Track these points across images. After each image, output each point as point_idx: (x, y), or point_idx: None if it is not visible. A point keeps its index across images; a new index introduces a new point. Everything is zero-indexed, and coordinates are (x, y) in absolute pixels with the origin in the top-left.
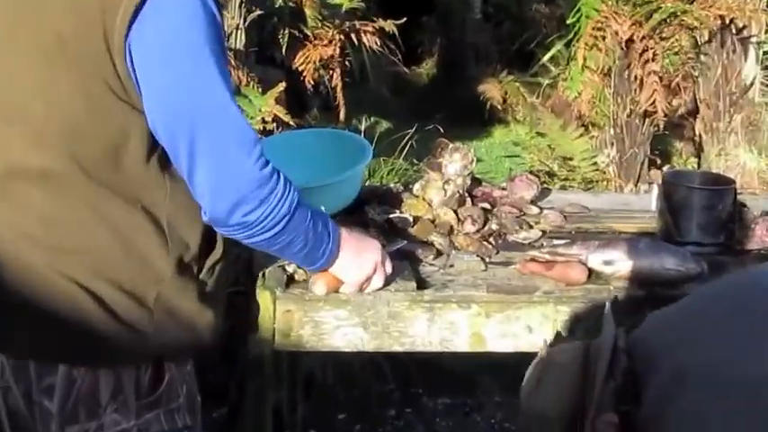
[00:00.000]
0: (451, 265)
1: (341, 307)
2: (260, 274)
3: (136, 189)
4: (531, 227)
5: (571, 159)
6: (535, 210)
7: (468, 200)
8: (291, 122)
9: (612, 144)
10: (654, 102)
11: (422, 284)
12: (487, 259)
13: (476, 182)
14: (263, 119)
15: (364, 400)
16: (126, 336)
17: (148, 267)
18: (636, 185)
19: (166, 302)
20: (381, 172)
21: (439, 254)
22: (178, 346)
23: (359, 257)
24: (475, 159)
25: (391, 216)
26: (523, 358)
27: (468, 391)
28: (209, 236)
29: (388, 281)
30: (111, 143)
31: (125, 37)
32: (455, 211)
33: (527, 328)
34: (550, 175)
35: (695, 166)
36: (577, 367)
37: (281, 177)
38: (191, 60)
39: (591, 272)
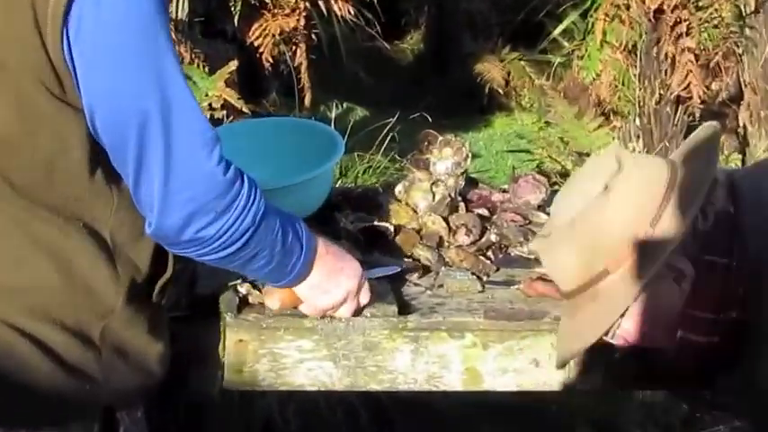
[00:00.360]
0: (441, 285)
1: (305, 336)
2: (208, 296)
3: (76, 205)
4: None
5: (588, 155)
6: (544, 217)
7: (462, 205)
8: (245, 109)
9: (639, 137)
10: (688, 85)
11: (405, 309)
12: (485, 278)
13: (471, 183)
14: (209, 105)
15: None
16: (72, 385)
17: (94, 297)
18: None
19: (114, 337)
20: (355, 170)
21: (426, 271)
22: (130, 390)
23: (330, 281)
24: (470, 155)
25: (368, 225)
26: (529, 399)
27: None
28: (159, 252)
29: (359, 312)
30: (47, 153)
31: (62, 23)
32: (445, 219)
33: (533, 363)
34: (563, 174)
35: (739, 163)
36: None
37: (246, 182)
38: (141, 46)
39: None
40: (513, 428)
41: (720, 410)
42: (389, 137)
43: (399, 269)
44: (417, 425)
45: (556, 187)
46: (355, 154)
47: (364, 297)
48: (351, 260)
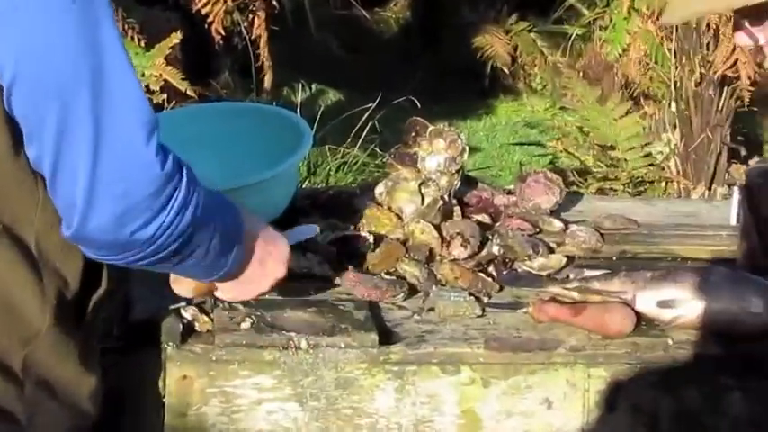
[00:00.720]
0: (431, 309)
1: (264, 371)
2: (142, 322)
3: None
4: (551, 251)
5: (613, 149)
6: (558, 225)
7: (458, 210)
8: (190, 93)
9: (675, 126)
10: (735, 63)
11: (387, 337)
12: (486, 299)
13: (469, 183)
14: (147, 87)
15: None
16: None
17: (16, 318)
18: (709, 188)
19: (40, 368)
20: (326, 167)
21: (413, 291)
22: None
23: (258, 270)
24: (467, 148)
25: (341, 235)
26: None
27: None
28: (91, 263)
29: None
30: None
31: None
32: (437, 227)
33: (545, 404)
34: (582, 172)
35: None
36: None
37: (185, 174)
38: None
39: (640, 318)
40: None
41: None
42: (368, 126)
43: (318, 231)
44: None
45: (573, 188)
46: (326, 147)
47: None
48: (278, 239)
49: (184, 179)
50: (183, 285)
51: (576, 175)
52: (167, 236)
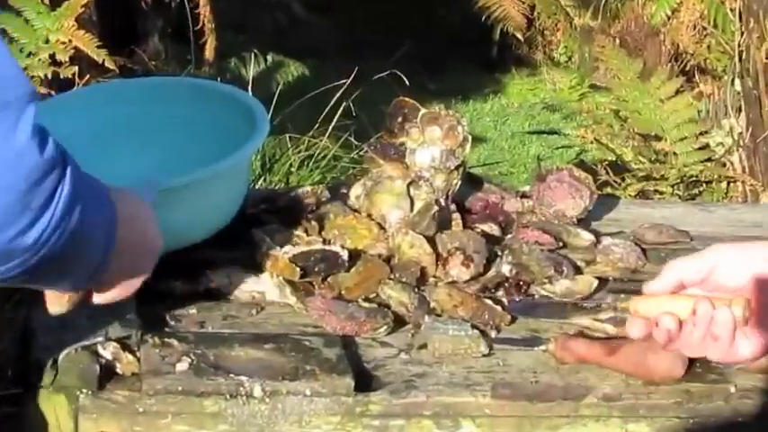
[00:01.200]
0: (423, 346)
1: (206, 426)
2: (48, 364)
3: None
4: (578, 271)
5: (659, 139)
6: (587, 238)
7: (458, 218)
8: (110, 64)
9: (740, 110)
10: None
11: (366, 382)
12: (494, 333)
13: (472, 183)
14: (52, 56)
15: None
16: None
17: None
18: None
19: None
20: (286, 162)
21: (399, 323)
22: None
23: (135, 260)
24: (470, 138)
25: (306, 250)
26: None
27: None
28: None
29: None
30: None
31: None
32: (431, 240)
33: None
34: (618, 170)
35: None
36: None
37: (70, 162)
38: None
39: (693, 358)
40: None
41: None
42: (341, 109)
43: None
44: None
45: (606, 190)
46: (286, 136)
47: None
48: (142, 205)
49: (70, 167)
50: (53, 300)
51: (610, 172)
52: (56, 239)
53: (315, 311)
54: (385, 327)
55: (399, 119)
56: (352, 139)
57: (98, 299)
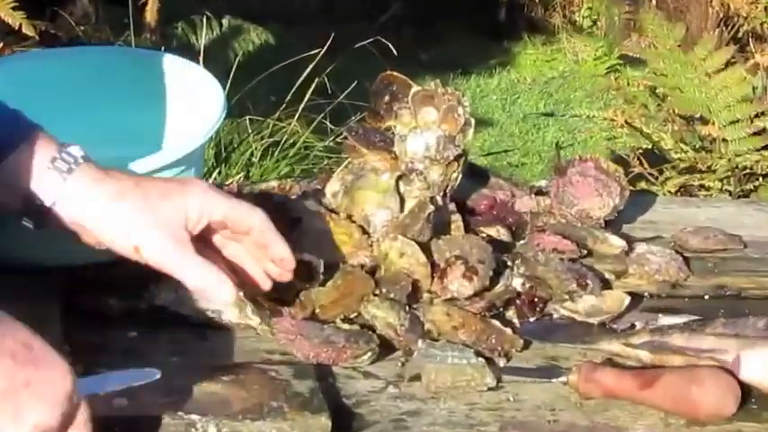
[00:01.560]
0: (416, 377)
1: None
2: None
3: None
4: (606, 285)
5: (706, 123)
6: (617, 244)
7: (459, 220)
8: (28, 30)
9: None
10: None
11: (345, 422)
12: (502, 362)
13: (476, 176)
14: None
15: None
16: None
17: None
18: None
19: None
20: (247, 151)
21: (387, 349)
22: None
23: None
24: (472, 121)
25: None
26: None
27: None
28: None
29: None
30: None
31: None
32: (425, 248)
33: None
34: (655, 160)
35: None
36: None
37: None
38: None
39: (747, 391)
40: None
41: None
42: (314, 85)
43: (158, 375)
44: None
45: (640, 185)
46: (246, 119)
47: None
48: (49, 361)
49: None
50: None
51: (645, 163)
52: None
53: (283, 335)
54: (369, 353)
55: (386, 98)
56: (328, 123)
57: None
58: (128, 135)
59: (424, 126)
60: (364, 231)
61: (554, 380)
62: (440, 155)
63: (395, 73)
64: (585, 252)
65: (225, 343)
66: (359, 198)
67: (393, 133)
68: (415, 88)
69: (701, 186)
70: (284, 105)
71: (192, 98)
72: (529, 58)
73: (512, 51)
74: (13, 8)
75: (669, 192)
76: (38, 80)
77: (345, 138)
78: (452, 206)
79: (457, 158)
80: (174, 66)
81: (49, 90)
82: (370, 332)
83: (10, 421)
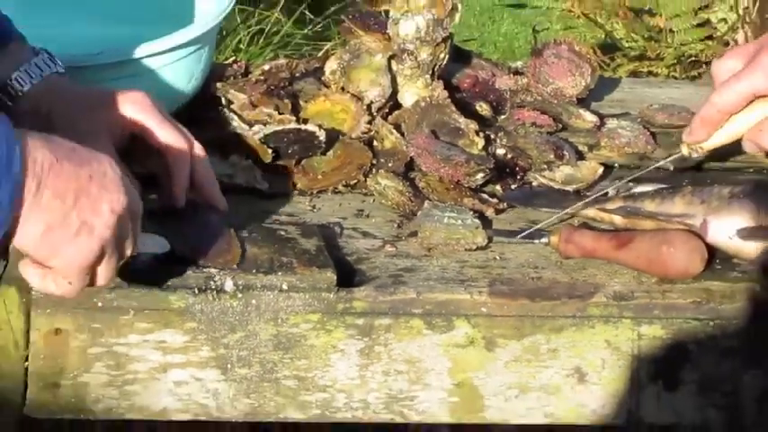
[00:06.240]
0: (413, 234)
1: (173, 324)
2: None
3: None
4: (580, 156)
5: (653, 14)
6: (590, 119)
7: (445, 95)
8: None
9: None
10: None
11: (348, 277)
12: (492, 219)
13: (460, 57)
14: None
15: None
16: None
17: None
18: None
19: None
20: (236, 37)
21: (386, 211)
22: None
23: (72, 214)
24: (459, 6)
25: (279, 129)
26: None
27: None
28: None
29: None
30: None
31: None
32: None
33: (574, 374)
34: (608, 48)
35: None
36: None
37: None
38: None
39: (713, 253)
40: None
41: None
42: None
43: (167, 248)
44: None
45: (605, 72)
46: (235, 9)
47: (127, 243)
48: (97, 159)
49: None
50: (29, 266)
51: (598, 52)
52: None
53: (413, 149)
54: (481, 174)
55: None
56: (307, 13)
57: (30, 279)
58: (147, 15)
59: (416, 10)
60: (369, 108)
61: (536, 241)
62: (429, 36)
63: None
64: (561, 126)
65: (237, 204)
66: (354, 76)
67: (386, 17)
68: None
69: (650, 73)
70: None
71: None
72: None
73: None
74: None
75: (621, 77)
76: None
77: (342, 21)
78: (440, 83)
79: (444, 40)
80: None
81: None
82: (486, 155)
83: (90, 214)
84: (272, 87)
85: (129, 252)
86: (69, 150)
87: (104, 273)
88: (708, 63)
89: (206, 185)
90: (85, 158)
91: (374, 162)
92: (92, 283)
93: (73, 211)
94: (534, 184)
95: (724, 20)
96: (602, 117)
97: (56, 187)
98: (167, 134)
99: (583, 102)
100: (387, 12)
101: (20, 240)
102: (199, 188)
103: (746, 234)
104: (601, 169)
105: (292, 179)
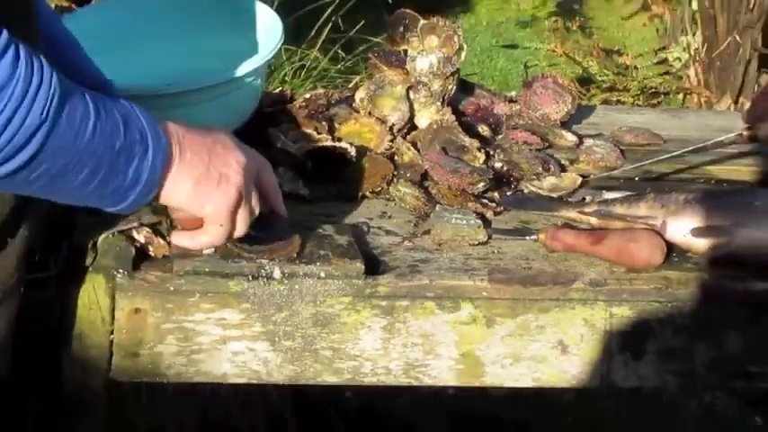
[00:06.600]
0: (427, 232)
1: (230, 305)
2: (89, 246)
3: None
4: (562, 168)
5: (621, 54)
6: (571, 139)
7: (453, 119)
8: None
9: (695, 27)
10: None
11: (374, 266)
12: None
13: (465, 88)
14: None
15: None
16: None
17: None
18: (736, 102)
19: None
20: (282, 71)
21: (405, 213)
22: None
23: (210, 185)
24: (465, 47)
25: (318, 146)
26: (548, 399)
27: None
28: None
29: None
30: None
31: None
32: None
33: (558, 347)
34: (584, 81)
35: None
36: None
37: (23, 57)
38: None
39: (671, 248)
40: None
41: None
42: (330, 25)
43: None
44: None
45: (582, 101)
46: (282, 47)
47: (254, 200)
48: (219, 132)
49: (30, 64)
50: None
51: (576, 84)
52: (9, 136)
53: (428, 162)
54: (482, 183)
55: (401, 28)
56: (340, 52)
57: (209, 235)
58: (212, 54)
59: (429, 50)
60: (383, 122)
61: (527, 238)
62: (440, 71)
63: (407, 10)
64: (547, 144)
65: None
66: (379, 103)
67: (406, 55)
68: (422, 21)
69: (619, 101)
70: (308, 37)
71: (255, 27)
72: (484, 6)
73: (471, 2)
74: None
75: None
76: (139, 11)
77: (370, 59)
78: (449, 109)
79: (452, 74)
80: (246, 4)
81: (146, 19)
82: (486, 167)
83: (223, 166)
84: (312, 112)
85: (257, 209)
86: (188, 125)
87: (242, 221)
88: (665, 94)
89: (272, 195)
90: (204, 130)
91: (395, 173)
92: (232, 232)
93: (210, 165)
94: (525, 191)
95: (678, 58)
96: (580, 137)
97: (192, 148)
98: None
99: (565, 125)
100: (406, 51)
101: (174, 199)
102: (266, 197)
103: (698, 233)
104: (579, 180)
105: (329, 187)
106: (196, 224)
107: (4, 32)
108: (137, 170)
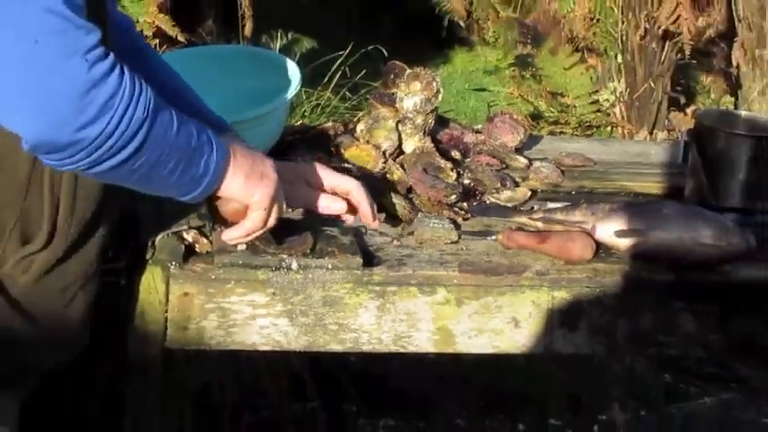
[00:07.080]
0: (411, 233)
1: (258, 290)
2: (149, 244)
3: None
4: (516, 185)
5: (563, 96)
6: (522, 161)
7: (432, 146)
8: (180, 38)
9: (620, 75)
10: (678, 19)
11: (370, 260)
12: (461, 224)
13: (442, 122)
14: (141, 32)
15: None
16: None
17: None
18: (651, 133)
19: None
20: (302, 108)
21: (396, 220)
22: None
23: (255, 180)
24: (441, 90)
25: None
26: (505, 363)
27: (423, 409)
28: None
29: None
30: None
31: None
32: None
33: (512, 322)
34: (535, 117)
35: (731, 106)
36: None
37: (126, 74)
38: None
39: (599, 246)
40: (477, 403)
41: (706, 381)
42: (339, 72)
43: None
44: (369, 399)
45: (533, 132)
46: (302, 90)
47: (273, 211)
48: (263, 158)
49: (126, 76)
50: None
51: (529, 119)
52: (121, 129)
53: (412, 179)
54: (453, 195)
55: (392, 76)
56: (348, 93)
57: (240, 230)
58: (240, 96)
59: (414, 92)
60: (378, 149)
61: (489, 238)
62: (422, 109)
63: (397, 62)
64: (505, 166)
65: (302, 215)
66: (375, 133)
67: (396, 96)
68: (408, 70)
69: (561, 132)
70: (322, 83)
71: (280, 72)
72: (459, 59)
73: (449, 55)
74: (173, 25)
75: (545, 134)
76: (188, 66)
77: (368, 99)
78: (429, 138)
79: (432, 111)
80: (268, 56)
81: (192, 70)
82: (458, 183)
83: (262, 167)
84: (323, 141)
85: (282, 212)
86: (235, 138)
87: (276, 211)
88: (597, 127)
89: (363, 204)
90: (246, 144)
91: (387, 189)
92: (267, 220)
93: (254, 165)
94: (488, 202)
95: (607, 99)
96: (530, 160)
97: (241, 153)
98: (341, 179)
99: (518, 150)
100: (396, 93)
101: (230, 190)
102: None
103: (620, 234)
104: (530, 193)
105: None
106: (238, 217)
107: (111, 54)
108: (206, 163)
